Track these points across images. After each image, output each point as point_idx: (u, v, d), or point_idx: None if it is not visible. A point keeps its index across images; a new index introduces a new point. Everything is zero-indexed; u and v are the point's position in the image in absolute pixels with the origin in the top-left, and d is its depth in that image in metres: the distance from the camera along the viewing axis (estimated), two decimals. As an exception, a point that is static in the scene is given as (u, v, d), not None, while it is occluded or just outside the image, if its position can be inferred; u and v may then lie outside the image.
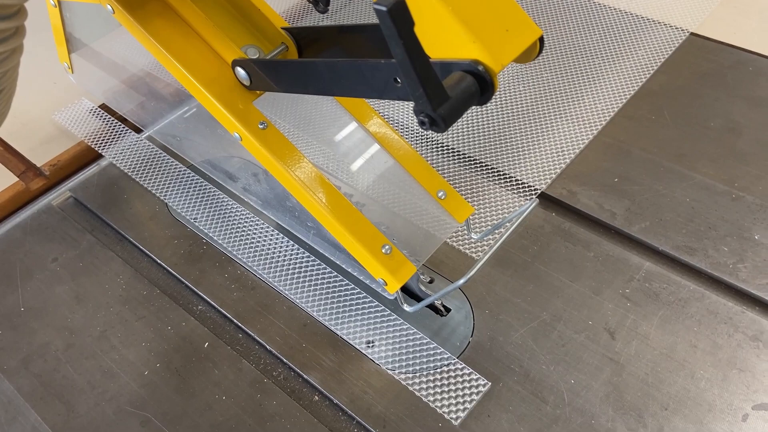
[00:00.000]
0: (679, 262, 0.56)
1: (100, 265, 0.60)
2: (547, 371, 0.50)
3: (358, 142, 0.51)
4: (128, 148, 0.71)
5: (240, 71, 0.47)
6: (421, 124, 0.29)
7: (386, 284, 0.48)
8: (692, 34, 0.76)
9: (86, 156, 0.72)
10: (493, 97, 0.71)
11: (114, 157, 0.70)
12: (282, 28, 0.48)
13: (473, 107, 0.35)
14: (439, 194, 0.50)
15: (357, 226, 0.47)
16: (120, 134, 0.72)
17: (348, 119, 0.51)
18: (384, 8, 0.25)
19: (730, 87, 0.70)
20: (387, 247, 0.47)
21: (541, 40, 0.33)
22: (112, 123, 0.74)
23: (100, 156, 0.71)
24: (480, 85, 0.30)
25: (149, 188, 0.66)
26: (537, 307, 0.54)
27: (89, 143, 0.71)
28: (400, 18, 0.26)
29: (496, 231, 0.57)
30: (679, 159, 0.64)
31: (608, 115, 0.68)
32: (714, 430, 0.46)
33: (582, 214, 0.60)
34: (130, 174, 0.68)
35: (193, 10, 0.48)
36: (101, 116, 0.75)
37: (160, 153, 0.69)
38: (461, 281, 0.45)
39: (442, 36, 0.31)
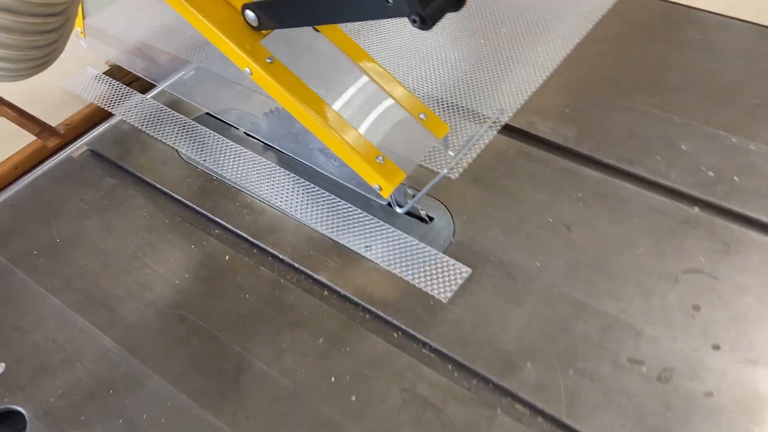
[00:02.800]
0: (621, 170, 0.66)
1: (123, 202, 0.68)
2: (517, 258, 0.60)
3: (351, 76, 0.60)
4: (135, 107, 0.78)
5: (249, 13, 0.55)
6: (413, 22, 0.39)
7: (381, 189, 0.57)
8: (627, -9, 0.87)
9: (97, 116, 0.79)
10: (461, 49, 0.81)
11: (123, 114, 0.77)
12: (283, -22, 0.57)
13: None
14: (421, 116, 0.60)
15: (355, 141, 0.57)
16: (126, 95, 0.80)
17: (341, 57, 0.60)
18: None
19: (661, 33, 0.81)
20: (380, 158, 0.57)
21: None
22: (117, 86, 0.81)
23: (110, 115, 0.78)
24: (456, -8, 0.40)
25: (160, 138, 0.74)
26: (506, 212, 0.64)
27: (99, 104, 0.79)
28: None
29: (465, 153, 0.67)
30: (620, 92, 0.75)
31: (559, 59, 0.78)
32: (653, 291, 0.56)
33: (539, 138, 0.71)
34: (140, 128, 0.75)
35: (207, -36, 0.56)
36: (106, 81, 0.82)
37: (166, 109, 0.77)
38: (439, 176, 0.54)
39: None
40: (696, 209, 0.62)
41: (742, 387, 0.50)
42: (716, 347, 0.53)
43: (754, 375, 0.51)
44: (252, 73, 0.57)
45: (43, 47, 0.44)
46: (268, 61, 0.56)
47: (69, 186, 0.70)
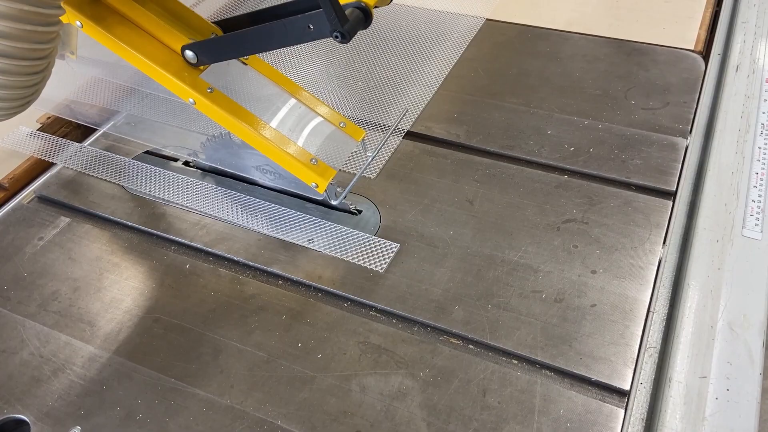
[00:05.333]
0: (504, 155, 0.82)
1: (81, 234, 0.75)
2: (435, 231, 0.73)
3: (280, 98, 0.72)
4: (75, 154, 0.85)
5: (188, 53, 0.66)
6: (335, 38, 0.52)
7: (317, 186, 0.69)
8: (488, 19, 1.06)
9: (39, 167, 0.85)
10: (363, 76, 0.95)
11: (65, 162, 0.84)
12: (212, 22, 0.69)
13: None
14: (341, 125, 0.73)
15: (292, 150, 0.68)
16: (63, 146, 0.87)
17: (269, 84, 0.72)
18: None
19: (518, 49, 1.00)
20: (314, 160, 0.69)
21: (391, -9, 0.57)
22: (53, 139, 0.88)
23: (51, 165, 0.85)
24: (364, 14, 0.53)
25: (104, 178, 0.82)
26: (420, 197, 0.77)
27: (39, 156, 0.85)
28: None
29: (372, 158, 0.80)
30: (494, 96, 0.91)
31: (442, 76, 0.95)
32: (542, 239, 0.71)
33: (437, 138, 0.85)
34: (83, 171, 0.83)
35: (147, 16, 0.67)
36: (41, 136, 0.89)
37: (104, 153, 0.85)
38: (361, 171, 0.67)
39: (336, -7, 0.54)
40: (565, 176, 0.79)
41: (616, 296, 0.65)
42: (594, 272, 0.68)
43: (623, 287, 0.66)
44: (196, 103, 0.67)
45: (29, 87, 0.52)
46: (208, 91, 0.67)
47: (26, 228, 0.76)
